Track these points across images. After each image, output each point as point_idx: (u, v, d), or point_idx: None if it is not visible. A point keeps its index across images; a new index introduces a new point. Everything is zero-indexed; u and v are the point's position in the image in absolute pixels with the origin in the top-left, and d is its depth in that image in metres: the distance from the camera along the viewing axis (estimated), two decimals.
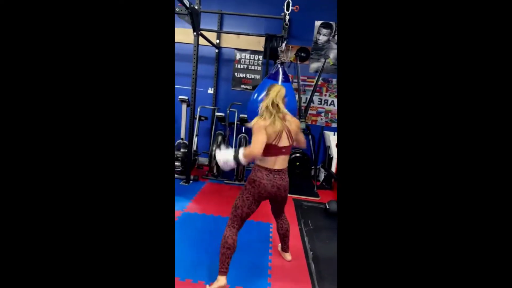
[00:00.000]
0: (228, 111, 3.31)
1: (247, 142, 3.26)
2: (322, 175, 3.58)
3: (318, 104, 3.87)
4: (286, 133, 1.49)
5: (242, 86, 3.89)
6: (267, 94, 1.50)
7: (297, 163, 3.62)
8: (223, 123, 3.51)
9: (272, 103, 1.45)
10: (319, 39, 3.73)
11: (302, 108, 3.46)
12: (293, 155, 3.68)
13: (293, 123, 1.55)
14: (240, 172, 3.12)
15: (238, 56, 3.83)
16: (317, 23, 3.70)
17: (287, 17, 2.01)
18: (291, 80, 3.27)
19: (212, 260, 1.76)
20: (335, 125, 3.85)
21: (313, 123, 3.86)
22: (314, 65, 3.77)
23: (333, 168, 3.20)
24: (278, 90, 1.49)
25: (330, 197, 3.01)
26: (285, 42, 1.89)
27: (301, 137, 1.63)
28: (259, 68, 3.83)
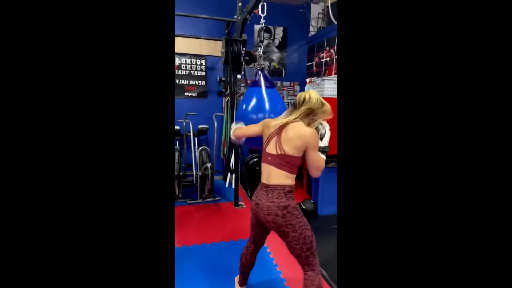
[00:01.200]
0: (184, 123, 2.94)
1: (209, 155, 2.99)
2: None
3: None
4: (276, 139, 1.20)
5: (186, 93, 3.54)
6: (306, 102, 1.20)
7: (257, 168, 3.58)
8: (177, 137, 3.11)
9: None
10: (260, 43, 3.75)
11: None
12: (252, 160, 3.62)
13: (292, 130, 1.17)
14: (208, 189, 2.83)
15: (177, 62, 3.46)
16: (256, 27, 3.70)
17: (262, 20, 1.90)
18: (245, 84, 3.17)
19: None
20: None
21: None
22: None
23: None
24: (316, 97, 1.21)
25: (300, 196, 3.08)
26: (261, 47, 1.79)
27: (312, 156, 1.16)
28: (203, 73, 3.56)
